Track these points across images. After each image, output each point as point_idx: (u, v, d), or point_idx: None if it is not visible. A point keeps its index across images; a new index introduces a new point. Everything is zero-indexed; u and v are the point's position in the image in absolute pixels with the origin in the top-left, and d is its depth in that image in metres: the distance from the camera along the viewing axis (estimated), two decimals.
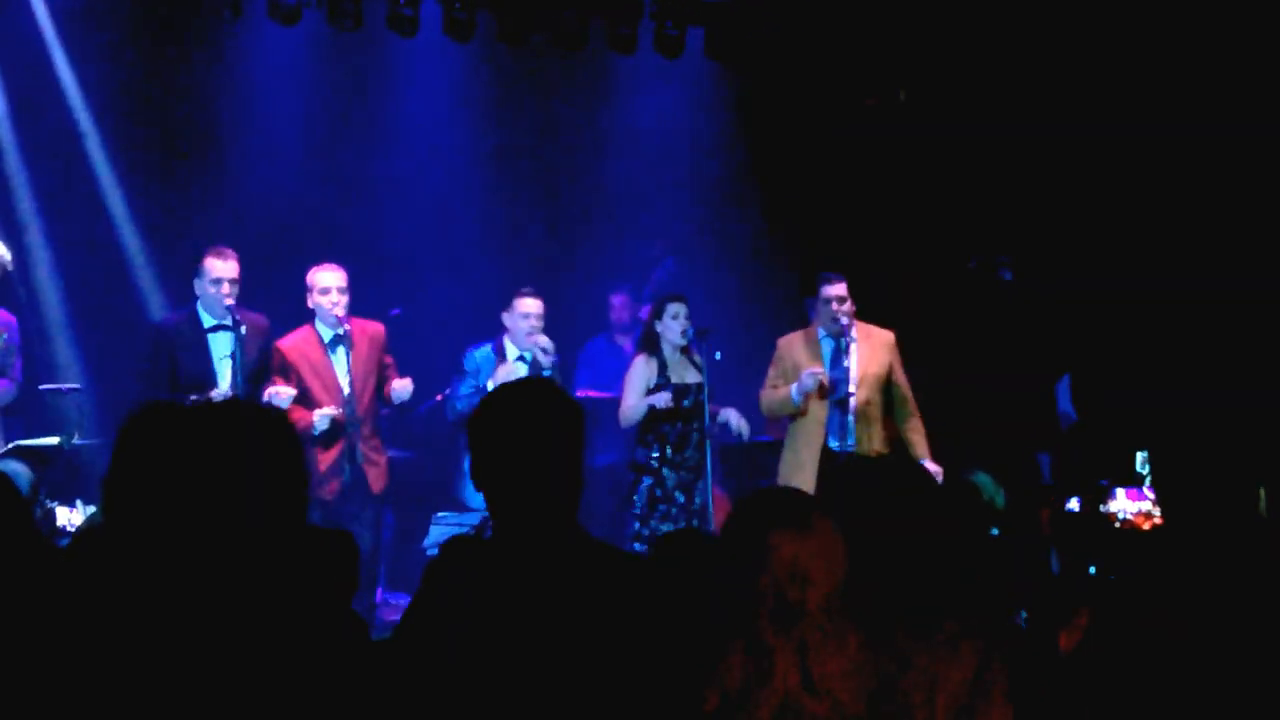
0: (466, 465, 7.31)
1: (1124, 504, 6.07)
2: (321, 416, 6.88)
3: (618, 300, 9.00)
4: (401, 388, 7.13)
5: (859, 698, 2.63)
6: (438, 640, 2.58)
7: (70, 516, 5.98)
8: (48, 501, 6.21)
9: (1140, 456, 6.83)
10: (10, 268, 6.98)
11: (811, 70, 9.43)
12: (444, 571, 2.71)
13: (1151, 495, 6.10)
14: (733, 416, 7.45)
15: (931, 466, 7.03)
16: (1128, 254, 8.71)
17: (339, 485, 7.00)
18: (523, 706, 2.52)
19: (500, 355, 7.47)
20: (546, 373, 7.27)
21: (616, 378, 7.69)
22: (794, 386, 7.41)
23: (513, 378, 7.10)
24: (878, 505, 2.85)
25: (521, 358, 7.42)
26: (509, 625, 2.55)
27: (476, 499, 7.22)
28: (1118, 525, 5.92)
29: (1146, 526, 5.82)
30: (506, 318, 7.48)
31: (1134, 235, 8.71)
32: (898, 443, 7.51)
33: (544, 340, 7.33)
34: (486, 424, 2.73)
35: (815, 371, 7.35)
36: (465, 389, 7.40)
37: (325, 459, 6.94)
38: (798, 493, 2.92)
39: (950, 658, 2.72)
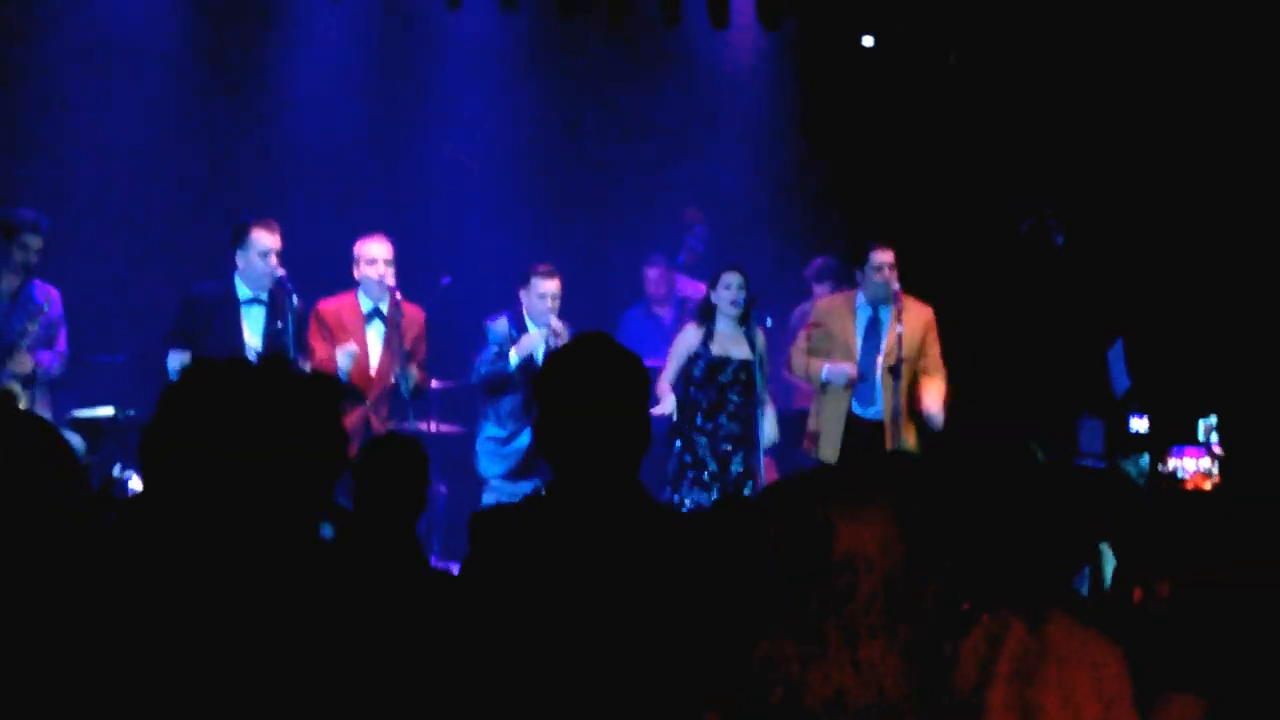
0: (481, 435, 7.49)
1: (1184, 463, 6.00)
2: (343, 353, 6.90)
3: (653, 272, 8.94)
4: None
5: (907, 685, 2.57)
6: (496, 600, 2.57)
7: (139, 483, 5.99)
8: (117, 470, 6.25)
9: (1203, 424, 6.73)
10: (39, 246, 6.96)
11: (860, 33, 9.36)
12: (494, 533, 2.69)
13: (1212, 456, 6.03)
14: (767, 423, 7.41)
15: (935, 415, 7.26)
16: (1181, 218, 8.60)
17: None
18: (579, 667, 2.50)
19: (519, 327, 7.44)
20: None
21: (653, 348, 7.68)
22: (826, 370, 7.44)
23: (533, 346, 7.17)
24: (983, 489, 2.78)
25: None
26: (567, 586, 2.53)
27: (490, 470, 7.39)
28: (1179, 485, 5.85)
29: (1207, 486, 5.75)
30: (524, 295, 7.44)
31: (1187, 199, 8.60)
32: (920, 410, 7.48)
33: (556, 324, 7.28)
34: (547, 382, 2.71)
35: (850, 374, 7.38)
36: (488, 354, 7.40)
37: (345, 423, 6.96)
38: (854, 474, 2.84)
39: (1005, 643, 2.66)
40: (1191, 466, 5.91)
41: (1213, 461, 5.94)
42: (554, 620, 2.51)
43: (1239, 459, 5.64)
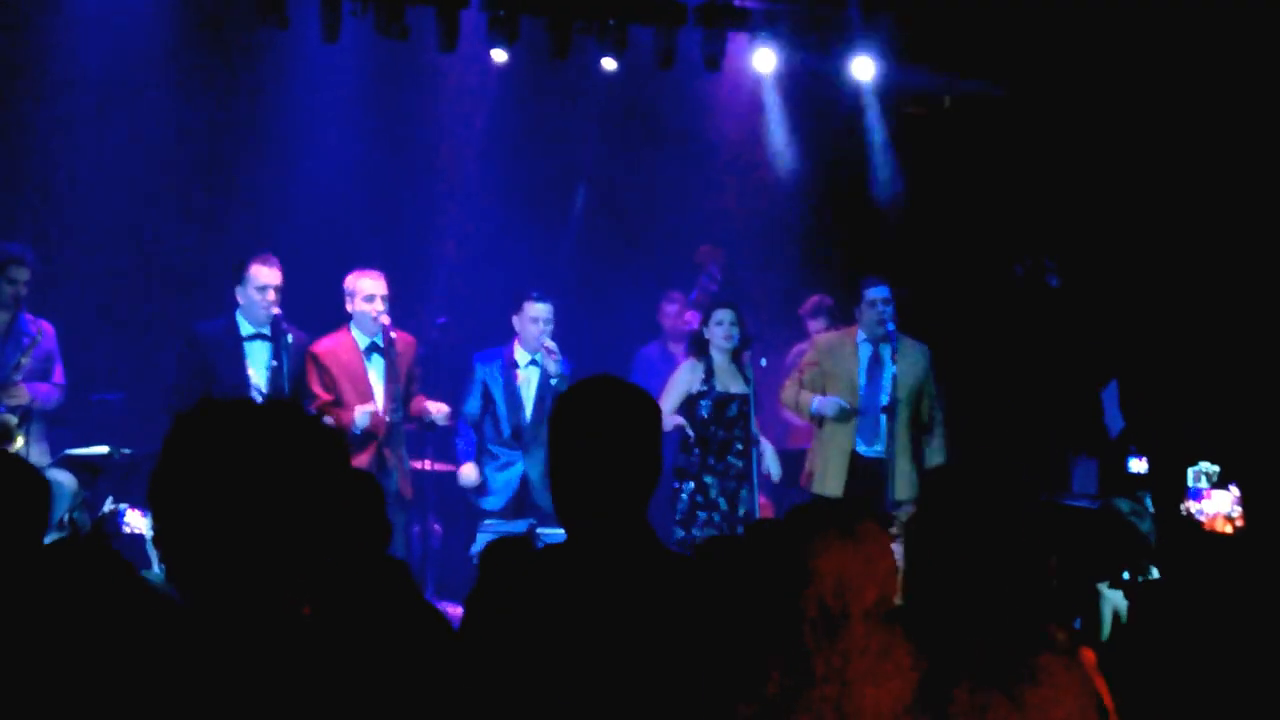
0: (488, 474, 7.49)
1: (1204, 505, 6.01)
2: (361, 414, 6.88)
3: (671, 307, 8.97)
4: (438, 412, 7.22)
5: (899, 712, 2.56)
6: (505, 640, 2.57)
7: (134, 518, 5.92)
8: (108, 504, 6.20)
9: (1191, 472, 6.73)
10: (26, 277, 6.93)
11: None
12: (503, 571, 2.69)
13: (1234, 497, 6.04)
14: (769, 459, 7.48)
15: None
16: (1175, 259, 8.66)
17: None
18: (585, 704, 2.51)
19: (511, 363, 7.48)
20: (554, 380, 7.27)
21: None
22: (817, 402, 7.47)
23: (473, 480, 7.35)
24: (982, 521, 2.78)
25: (533, 361, 7.47)
26: (575, 625, 2.54)
27: (485, 504, 7.40)
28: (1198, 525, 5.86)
29: (1229, 529, 5.76)
30: (516, 321, 7.48)
31: (1180, 239, 8.66)
32: (924, 450, 7.50)
33: (550, 344, 7.34)
34: (559, 422, 2.70)
35: (841, 405, 7.41)
36: (472, 401, 7.51)
37: (358, 462, 6.92)
38: (847, 503, 2.85)
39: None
40: (1211, 509, 5.92)
41: (1234, 503, 5.95)
42: (565, 663, 2.52)
43: (1258, 500, 5.64)
